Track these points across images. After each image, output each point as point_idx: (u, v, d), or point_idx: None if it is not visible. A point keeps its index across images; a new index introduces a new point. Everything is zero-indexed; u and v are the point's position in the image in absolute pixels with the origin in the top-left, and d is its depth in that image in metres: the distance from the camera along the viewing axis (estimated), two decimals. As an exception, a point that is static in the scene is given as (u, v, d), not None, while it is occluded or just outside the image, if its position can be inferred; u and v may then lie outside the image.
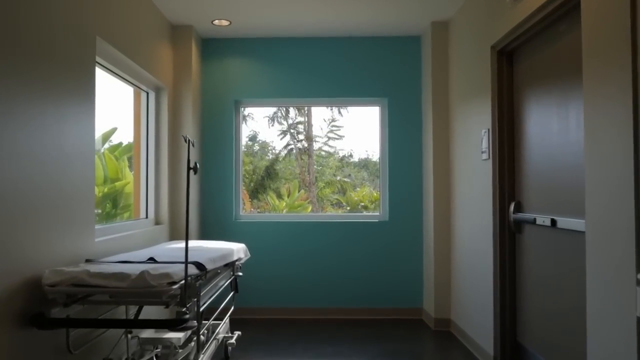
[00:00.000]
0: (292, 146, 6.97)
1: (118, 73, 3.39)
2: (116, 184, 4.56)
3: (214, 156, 4.58)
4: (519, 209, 3.01)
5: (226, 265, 3.17)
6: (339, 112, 6.63)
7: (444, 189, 4.18)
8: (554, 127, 2.59)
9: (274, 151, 7.23)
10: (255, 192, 6.98)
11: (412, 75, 4.57)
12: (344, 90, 4.59)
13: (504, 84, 3.15)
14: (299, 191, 7.23)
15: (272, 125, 6.55)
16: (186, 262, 2.19)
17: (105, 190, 4.93)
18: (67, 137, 2.45)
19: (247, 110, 5.54)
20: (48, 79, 2.28)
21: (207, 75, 4.59)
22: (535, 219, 2.73)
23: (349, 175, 7.13)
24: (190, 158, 4.21)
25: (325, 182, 7.33)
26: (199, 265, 2.44)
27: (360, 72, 4.58)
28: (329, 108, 6.76)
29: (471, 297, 3.63)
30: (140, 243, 3.50)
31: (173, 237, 4.16)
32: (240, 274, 3.48)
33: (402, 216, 4.55)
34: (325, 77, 4.58)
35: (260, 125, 6.37)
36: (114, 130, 4.44)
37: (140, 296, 2.11)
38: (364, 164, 6.61)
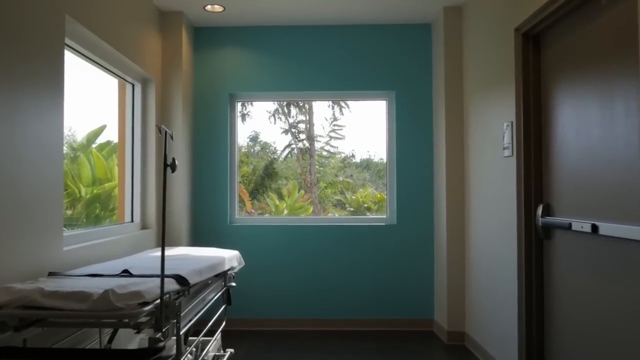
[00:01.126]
0: (294, 145, 6.65)
1: (95, 60, 3.03)
2: (105, 185, 4.23)
3: (207, 154, 4.22)
4: (548, 212, 2.64)
5: (217, 275, 2.81)
6: (341, 112, 6.18)
7: (457, 189, 3.81)
8: (594, 118, 2.22)
9: (274, 151, 6.97)
10: (255, 193, 6.81)
11: (421, 66, 4.20)
12: (348, 83, 4.23)
13: (530, 71, 2.78)
14: (298, 191, 6.97)
15: (274, 123, 6.21)
16: (162, 276, 1.83)
17: (94, 191, 4.61)
18: (25, 131, 2.09)
19: (247, 109, 5.20)
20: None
21: (199, 66, 4.24)
22: (570, 224, 2.36)
23: (351, 175, 6.77)
24: (181, 156, 3.86)
25: (328, 181, 7.04)
26: (180, 280, 2.08)
27: (365, 64, 4.22)
28: (331, 107, 6.49)
29: (490, 309, 3.27)
30: (123, 250, 3.15)
31: (160, 244, 3.79)
32: (234, 284, 3.13)
33: (411, 219, 4.18)
34: (328, 69, 4.23)
35: (261, 125, 6.15)
36: (103, 128, 4.10)
37: (105, 320, 1.75)
38: (366, 164, 6.38)
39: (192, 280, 2.19)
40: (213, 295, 2.82)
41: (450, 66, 3.84)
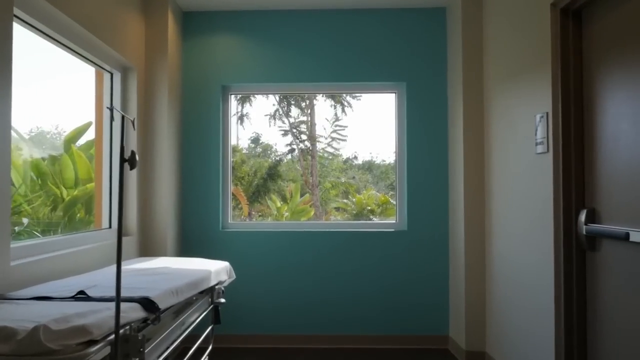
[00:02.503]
0: (295, 146, 6.52)
1: (63, 42, 2.62)
2: (88, 185, 3.82)
3: (197, 153, 3.81)
4: (592, 219, 2.22)
5: (202, 292, 2.40)
6: (343, 111, 6.23)
7: (477, 191, 3.38)
8: (660, 103, 1.80)
9: (276, 152, 6.80)
10: (256, 196, 6.65)
11: (435, 54, 3.78)
12: (353, 73, 3.81)
13: (569, 53, 2.36)
14: (301, 195, 6.72)
15: (274, 124, 6.04)
16: (117, 302, 1.41)
17: (75, 193, 4.21)
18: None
19: (246, 110, 4.88)
20: None
21: (188, 55, 3.82)
22: (628, 234, 1.93)
23: (353, 177, 6.76)
24: (167, 154, 3.44)
25: (332, 182, 6.91)
26: (147, 305, 1.66)
27: (373, 52, 3.80)
28: (333, 106, 6.32)
29: (517, 327, 2.84)
30: (94, 262, 2.73)
31: (144, 252, 3.38)
32: (223, 300, 2.71)
33: (423, 224, 3.76)
34: (331, 59, 3.81)
35: (262, 127, 6.01)
36: (88, 125, 3.70)
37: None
38: (368, 166, 6.39)
39: (163, 304, 1.77)
40: (197, 315, 2.41)
41: (469, 53, 3.42)
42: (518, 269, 2.84)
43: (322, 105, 6.96)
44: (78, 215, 3.91)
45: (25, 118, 3.07)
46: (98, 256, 2.80)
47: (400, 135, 3.86)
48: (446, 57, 3.78)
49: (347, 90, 4.15)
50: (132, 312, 1.55)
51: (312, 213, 6.49)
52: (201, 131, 3.81)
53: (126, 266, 2.53)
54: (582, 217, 2.24)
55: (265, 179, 6.78)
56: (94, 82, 3.31)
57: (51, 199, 4.61)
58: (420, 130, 3.78)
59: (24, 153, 3.74)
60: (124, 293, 1.67)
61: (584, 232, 2.23)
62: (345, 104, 6.34)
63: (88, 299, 1.69)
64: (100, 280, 2.05)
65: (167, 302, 1.82)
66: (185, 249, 3.75)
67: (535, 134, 2.58)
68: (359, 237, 3.77)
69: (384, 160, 5.99)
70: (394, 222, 3.89)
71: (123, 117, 1.59)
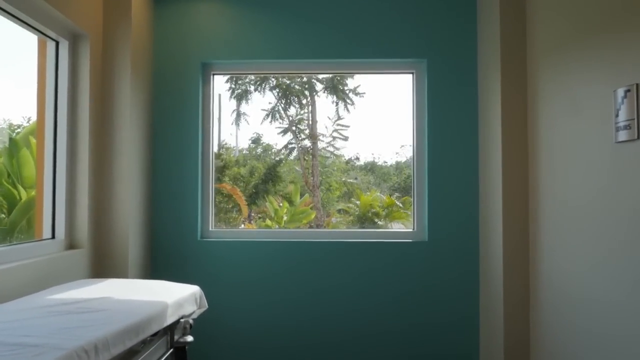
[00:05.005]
0: (294, 145, 6.30)
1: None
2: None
3: (171, 146, 3.11)
4: None
5: (155, 334, 1.71)
6: (345, 108, 5.98)
7: (520, 193, 2.67)
8: None
9: (275, 151, 6.52)
10: (254, 198, 6.34)
11: (463, 24, 3.08)
12: (361, 49, 3.11)
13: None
14: (301, 196, 6.28)
15: (271, 122, 5.85)
16: None
17: (33, 193, 3.58)
18: None
19: (243, 109, 4.35)
20: None
21: (160, 25, 3.12)
22: None
23: (356, 178, 6.56)
24: (130, 147, 2.72)
25: (336, 182, 6.50)
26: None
27: (386, 22, 3.10)
28: (335, 103, 6.02)
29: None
30: (26, 284, 2.04)
31: (98, 269, 2.68)
32: (189, 339, 2.02)
33: (448, 234, 3.05)
34: (335, 30, 3.11)
35: (261, 126, 6.08)
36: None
37: None
38: (370, 167, 6.27)
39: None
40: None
41: (509, 19, 2.70)
42: (585, 305, 2.12)
43: (324, 102, 6.74)
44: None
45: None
46: (31, 276, 2.11)
47: (419, 125, 3.16)
48: (476, 27, 3.07)
49: (354, 70, 3.44)
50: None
51: (314, 216, 6.05)
52: (176, 119, 3.12)
53: (51, 295, 1.83)
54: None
55: (264, 180, 6.38)
56: (36, 55, 2.63)
57: (8, 201, 3.94)
58: (444, 118, 3.08)
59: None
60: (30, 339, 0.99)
61: None
62: (348, 101, 5.99)
63: None
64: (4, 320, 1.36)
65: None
66: (154, 264, 3.05)
67: (616, 116, 1.88)
68: (369, 250, 3.06)
69: (386, 162, 5.99)
70: (411, 230, 3.18)
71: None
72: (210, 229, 3.19)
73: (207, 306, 2.16)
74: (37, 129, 2.66)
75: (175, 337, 1.95)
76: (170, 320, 1.78)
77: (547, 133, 2.46)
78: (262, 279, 3.05)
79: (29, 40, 2.58)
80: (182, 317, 1.95)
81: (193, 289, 2.09)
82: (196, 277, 2.87)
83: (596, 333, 2.03)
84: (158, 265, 3.05)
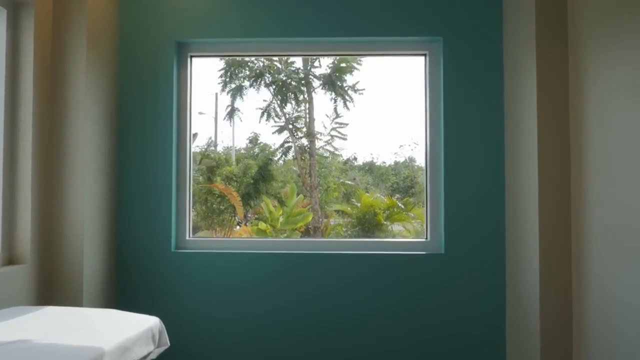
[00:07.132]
0: (291, 144, 6.09)
1: None
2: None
3: (140, 141, 2.63)
4: None
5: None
6: (345, 106, 5.81)
7: (561, 197, 2.19)
8: None
9: (270, 150, 6.35)
10: (247, 198, 6.13)
11: (485, -2, 2.61)
12: (367, 26, 2.64)
13: None
14: (297, 195, 6.06)
15: (267, 121, 5.75)
16: None
17: None
18: None
19: (237, 104, 4.09)
20: None
21: (127, -3, 2.65)
22: None
23: (355, 178, 6.38)
24: (88, 142, 2.22)
25: (335, 184, 6.27)
26: None
27: (394, -5, 2.63)
28: (333, 100, 5.79)
29: None
30: None
31: (44, 289, 2.19)
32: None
33: (468, 245, 2.57)
34: (336, 4, 2.64)
35: (258, 125, 5.89)
36: None
37: None
38: (369, 167, 6.17)
39: None
40: None
41: (545, -14, 2.23)
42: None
43: (322, 99, 6.60)
44: None
45: None
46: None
47: (433, 118, 2.68)
48: (501, 1, 2.60)
49: (358, 51, 2.95)
50: None
51: (311, 217, 5.81)
52: (146, 108, 2.64)
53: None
54: None
55: (257, 180, 6.13)
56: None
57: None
58: (463, 109, 2.60)
59: None
60: None
61: None
62: (347, 98, 5.81)
63: None
64: None
65: None
66: (119, 281, 2.57)
67: None
68: (375, 263, 2.58)
69: (384, 162, 5.90)
70: (425, 240, 2.70)
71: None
72: (187, 237, 2.70)
73: (168, 344, 1.68)
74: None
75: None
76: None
77: (598, 122, 1.98)
78: (249, 299, 2.57)
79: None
80: (132, 363, 1.47)
81: (149, 323, 1.61)
82: (169, 297, 2.42)
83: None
84: (123, 282, 2.57)
